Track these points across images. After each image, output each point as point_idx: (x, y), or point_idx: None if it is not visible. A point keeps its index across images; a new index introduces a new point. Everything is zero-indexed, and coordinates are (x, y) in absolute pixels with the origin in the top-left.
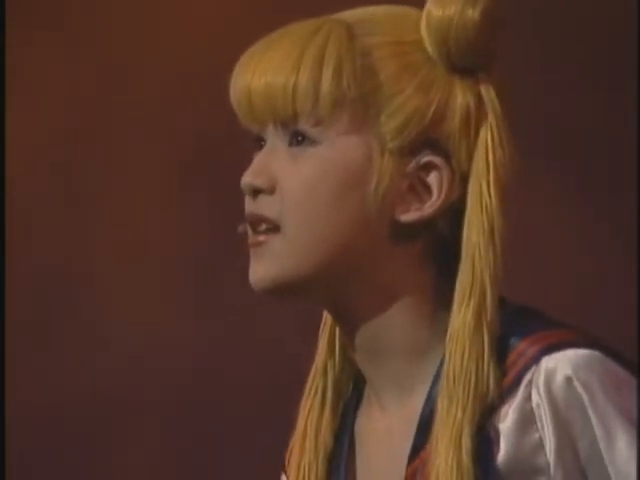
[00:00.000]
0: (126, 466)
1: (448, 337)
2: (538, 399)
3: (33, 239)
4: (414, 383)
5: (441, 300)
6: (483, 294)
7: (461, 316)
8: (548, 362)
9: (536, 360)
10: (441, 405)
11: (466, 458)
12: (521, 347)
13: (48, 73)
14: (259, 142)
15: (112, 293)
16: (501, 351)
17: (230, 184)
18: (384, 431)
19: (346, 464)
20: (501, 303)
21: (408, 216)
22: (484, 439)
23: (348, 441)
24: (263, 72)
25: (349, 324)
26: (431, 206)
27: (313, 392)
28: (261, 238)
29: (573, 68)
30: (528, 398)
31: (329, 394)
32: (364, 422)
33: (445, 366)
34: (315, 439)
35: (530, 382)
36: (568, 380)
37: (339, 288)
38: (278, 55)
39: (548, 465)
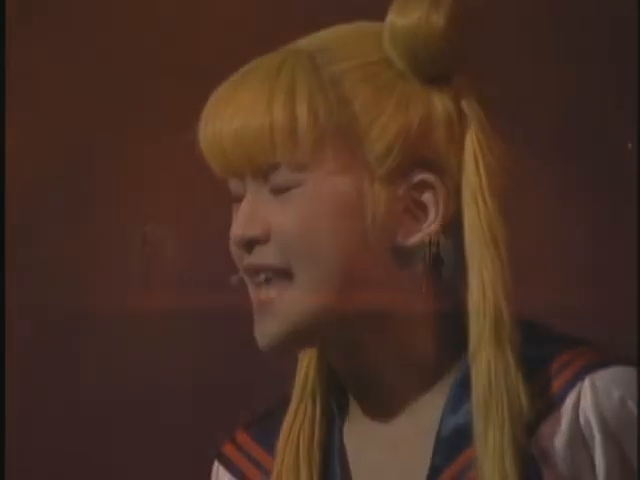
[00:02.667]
0: (126, 467)
1: (470, 357)
2: (587, 419)
3: (33, 241)
4: (424, 397)
5: (447, 313)
6: (498, 309)
7: (479, 334)
8: (594, 381)
9: (579, 378)
10: (477, 428)
11: None
12: (556, 365)
13: (48, 73)
14: (237, 196)
15: (112, 302)
16: (534, 367)
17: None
18: (387, 442)
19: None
20: (529, 322)
21: (411, 240)
22: (529, 460)
23: (339, 456)
24: (233, 116)
25: (356, 366)
26: (431, 225)
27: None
28: (272, 294)
29: (573, 67)
30: (576, 418)
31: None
32: (357, 434)
33: (473, 387)
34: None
35: (577, 401)
36: (622, 400)
37: (353, 322)
38: (247, 97)
39: None
